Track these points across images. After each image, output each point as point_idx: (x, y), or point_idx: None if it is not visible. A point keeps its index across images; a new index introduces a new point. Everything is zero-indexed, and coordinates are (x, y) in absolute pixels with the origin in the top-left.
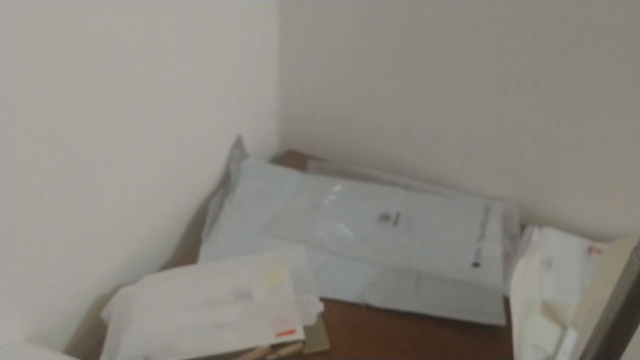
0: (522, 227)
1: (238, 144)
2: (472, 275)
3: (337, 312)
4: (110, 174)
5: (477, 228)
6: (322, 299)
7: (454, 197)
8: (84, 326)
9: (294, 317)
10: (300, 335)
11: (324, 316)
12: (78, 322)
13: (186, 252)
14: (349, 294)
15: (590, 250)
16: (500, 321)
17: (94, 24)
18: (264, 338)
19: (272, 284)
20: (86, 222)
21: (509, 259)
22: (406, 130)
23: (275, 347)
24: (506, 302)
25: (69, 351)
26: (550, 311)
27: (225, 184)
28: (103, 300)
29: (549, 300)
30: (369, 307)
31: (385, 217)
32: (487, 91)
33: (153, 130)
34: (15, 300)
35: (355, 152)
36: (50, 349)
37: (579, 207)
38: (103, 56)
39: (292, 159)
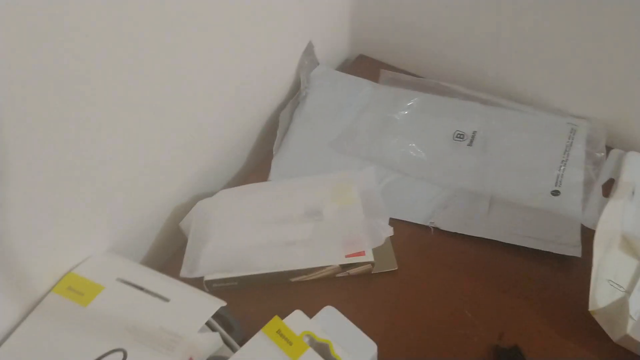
0: (607, 150)
1: (308, 51)
2: (549, 203)
3: (405, 233)
4: (183, 88)
5: (560, 152)
6: (391, 220)
7: (537, 115)
8: (161, 237)
9: (364, 240)
10: (369, 257)
11: (392, 236)
12: (156, 233)
13: (257, 164)
14: (418, 216)
15: None
16: (576, 252)
17: None
18: (334, 258)
19: (342, 204)
20: (164, 137)
21: (590, 186)
22: (490, 41)
23: (344, 266)
24: (583, 231)
25: (146, 261)
26: (629, 244)
27: (295, 94)
28: (180, 211)
29: (629, 233)
30: (437, 230)
31: (460, 136)
32: (580, 3)
33: (222, 41)
34: (99, 214)
35: (431, 61)
36: (130, 259)
37: None
38: None
39: (364, 65)
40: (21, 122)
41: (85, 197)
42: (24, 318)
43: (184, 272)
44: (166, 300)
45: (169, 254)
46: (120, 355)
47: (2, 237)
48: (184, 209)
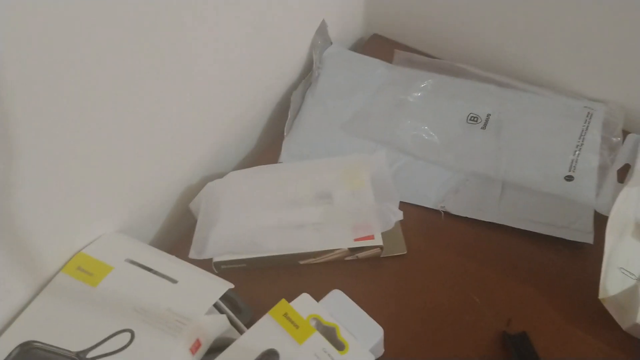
0: (624, 134)
1: (321, 30)
2: (562, 189)
3: (415, 217)
4: (195, 66)
5: (576, 137)
6: (401, 203)
7: (553, 99)
8: (170, 218)
9: (373, 224)
10: (378, 241)
11: (401, 220)
12: (165, 214)
13: (268, 145)
14: (428, 199)
15: None
16: (589, 239)
17: None
18: (343, 241)
19: (353, 188)
20: (175, 118)
21: (605, 171)
22: (509, 21)
23: (353, 250)
24: (596, 218)
25: (155, 242)
26: None
27: (308, 74)
28: (189, 192)
29: None
30: (448, 215)
31: (474, 119)
32: None
33: (235, 19)
34: (110, 194)
35: (446, 42)
36: (139, 240)
37: None
38: None
39: (378, 44)
40: (34, 98)
41: (97, 176)
42: (34, 297)
43: (192, 254)
44: (174, 281)
45: (178, 235)
46: (128, 335)
47: (13, 215)
48: (194, 190)
